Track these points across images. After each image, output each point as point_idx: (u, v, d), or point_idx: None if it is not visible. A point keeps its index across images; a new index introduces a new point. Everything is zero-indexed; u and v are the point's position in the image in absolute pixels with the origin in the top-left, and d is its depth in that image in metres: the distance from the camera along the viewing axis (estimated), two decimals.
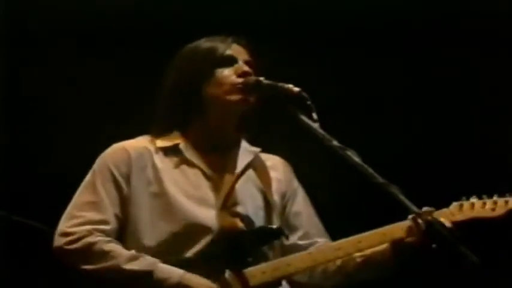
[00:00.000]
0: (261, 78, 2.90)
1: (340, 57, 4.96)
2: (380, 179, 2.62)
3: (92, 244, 2.81)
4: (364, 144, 2.79)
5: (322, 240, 3.03)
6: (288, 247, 2.98)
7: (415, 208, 2.64)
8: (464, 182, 3.72)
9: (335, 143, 2.70)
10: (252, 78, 2.91)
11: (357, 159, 2.67)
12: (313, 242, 3.02)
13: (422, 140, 5.19)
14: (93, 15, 5.01)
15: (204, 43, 3.00)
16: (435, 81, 5.23)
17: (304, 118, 2.74)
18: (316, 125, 2.73)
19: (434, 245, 2.65)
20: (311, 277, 3.00)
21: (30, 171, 4.88)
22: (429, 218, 2.65)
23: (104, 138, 3.07)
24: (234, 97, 2.90)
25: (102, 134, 3.05)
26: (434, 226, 2.61)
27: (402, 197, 2.61)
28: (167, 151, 2.93)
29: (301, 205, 3.06)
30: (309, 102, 2.76)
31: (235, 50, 2.97)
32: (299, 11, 5.03)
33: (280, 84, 2.84)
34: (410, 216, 2.77)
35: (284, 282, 2.90)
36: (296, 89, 2.80)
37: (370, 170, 2.64)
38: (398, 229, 2.84)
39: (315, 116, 2.74)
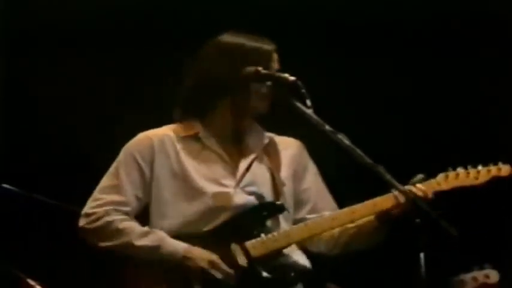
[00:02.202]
0: (260, 68, 3.08)
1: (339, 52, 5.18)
2: (368, 160, 2.85)
3: (109, 223, 3.06)
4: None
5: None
6: (297, 221, 3.19)
7: (399, 186, 2.90)
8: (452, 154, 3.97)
9: (327, 127, 2.92)
10: (251, 68, 3.08)
11: (347, 142, 2.89)
12: (321, 216, 3.21)
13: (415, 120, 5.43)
14: (92, 14, 5.08)
15: (247, 44, 3.13)
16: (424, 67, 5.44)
17: (299, 104, 2.96)
18: (310, 111, 2.94)
19: (417, 220, 2.91)
20: (318, 247, 3.23)
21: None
22: (412, 195, 2.91)
23: (100, 136, 3.24)
24: (263, 108, 3.13)
25: (101, 132, 3.23)
26: (416, 203, 2.86)
27: (388, 176, 2.85)
28: (188, 139, 3.16)
29: (311, 181, 3.27)
30: (303, 90, 2.96)
31: (274, 60, 3.14)
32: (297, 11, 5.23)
33: (277, 73, 3.06)
34: (394, 191, 3.03)
35: (298, 251, 3.15)
36: (292, 78, 3.01)
37: (359, 152, 2.87)
38: (387, 200, 3.09)
39: (308, 102, 2.94)
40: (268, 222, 3.11)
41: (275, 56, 3.15)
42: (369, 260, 5.07)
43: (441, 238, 2.75)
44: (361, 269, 5.10)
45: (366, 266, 5.15)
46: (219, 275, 3.00)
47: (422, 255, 2.82)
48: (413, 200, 2.90)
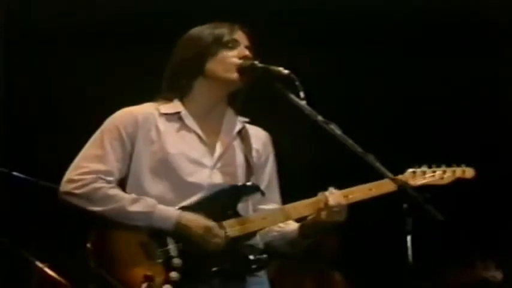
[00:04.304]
0: (256, 62, 3.26)
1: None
2: (359, 149, 2.98)
3: (98, 189, 3.15)
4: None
5: (272, 206, 3.38)
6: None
7: (389, 174, 3.03)
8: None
9: (320, 117, 3.05)
10: (248, 61, 3.26)
11: (338, 131, 3.03)
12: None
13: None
14: (92, 12, 5.32)
15: (212, 27, 3.35)
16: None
17: (293, 96, 3.09)
18: (303, 103, 3.07)
19: (405, 205, 3.05)
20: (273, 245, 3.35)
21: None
22: (400, 182, 3.04)
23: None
24: (232, 76, 3.27)
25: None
26: (405, 189, 2.98)
27: (378, 164, 2.99)
28: (169, 117, 3.29)
29: (268, 172, 3.41)
30: (297, 83, 3.09)
31: (239, 35, 3.34)
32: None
33: (272, 67, 3.20)
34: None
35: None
36: (286, 71, 3.15)
37: (350, 141, 3.00)
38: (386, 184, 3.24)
39: (302, 94, 3.08)
40: (240, 204, 3.24)
41: (241, 34, 3.33)
42: (358, 242, 5.30)
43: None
44: (349, 251, 5.30)
45: (354, 248, 5.35)
46: (217, 240, 3.11)
47: (409, 238, 2.97)
48: (402, 186, 3.01)
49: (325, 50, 5.67)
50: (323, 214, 3.21)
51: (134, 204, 3.14)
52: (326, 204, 3.20)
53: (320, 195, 3.25)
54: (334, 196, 3.22)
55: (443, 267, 5.10)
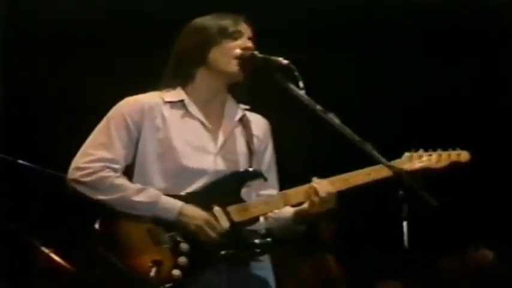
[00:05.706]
0: (256, 52, 3.31)
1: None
2: (356, 137, 3.03)
3: (104, 178, 3.22)
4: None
5: (271, 191, 3.42)
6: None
7: (386, 161, 3.09)
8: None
9: (318, 107, 3.11)
10: (248, 52, 3.32)
11: (336, 120, 3.08)
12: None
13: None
14: (92, 12, 5.38)
15: (217, 17, 3.40)
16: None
17: (293, 86, 3.15)
18: (302, 92, 3.13)
19: (400, 192, 3.11)
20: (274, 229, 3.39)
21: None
22: (397, 169, 3.10)
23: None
24: (233, 69, 3.33)
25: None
26: (401, 176, 3.04)
27: (375, 152, 3.04)
28: (173, 104, 3.35)
29: (267, 159, 3.46)
30: (296, 73, 3.15)
31: (243, 27, 3.38)
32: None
33: (272, 57, 3.25)
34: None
35: None
36: (285, 61, 3.21)
37: (348, 130, 3.05)
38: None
39: (301, 84, 3.14)
40: (243, 190, 3.30)
41: (244, 26, 3.37)
42: (355, 228, 5.36)
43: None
44: (347, 237, 5.36)
45: (351, 234, 5.40)
46: (214, 234, 3.18)
47: (405, 224, 3.03)
48: (397, 173, 3.07)
49: (325, 50, 5.73)
50: (316, 205, 3.27)
51: (138, 194, 3.21)
52: (317, 195, 3.26)
53: (308, 187, 3.29)
54: (322, 186, 3.27)
55: (438, 253, 5.15)
